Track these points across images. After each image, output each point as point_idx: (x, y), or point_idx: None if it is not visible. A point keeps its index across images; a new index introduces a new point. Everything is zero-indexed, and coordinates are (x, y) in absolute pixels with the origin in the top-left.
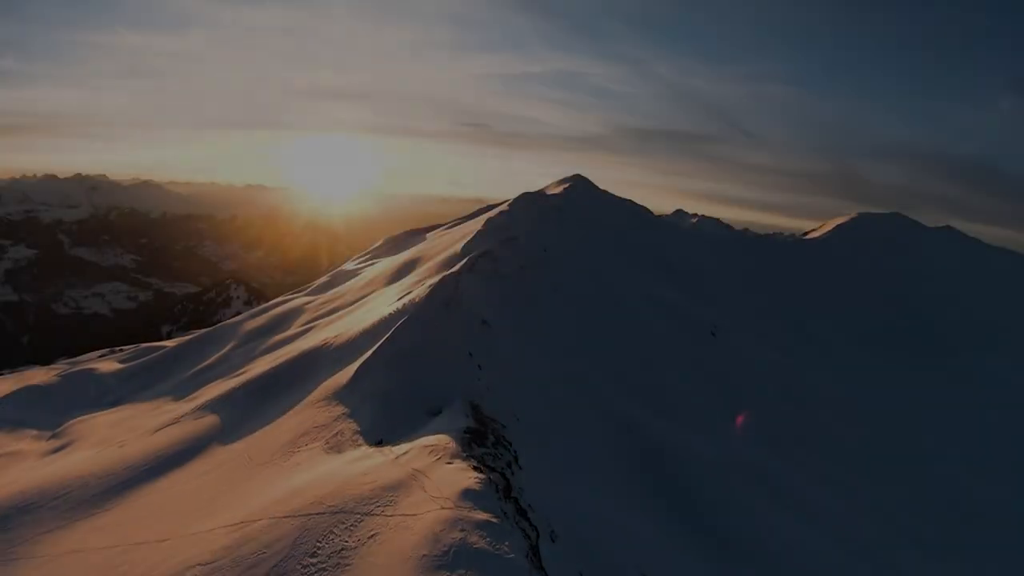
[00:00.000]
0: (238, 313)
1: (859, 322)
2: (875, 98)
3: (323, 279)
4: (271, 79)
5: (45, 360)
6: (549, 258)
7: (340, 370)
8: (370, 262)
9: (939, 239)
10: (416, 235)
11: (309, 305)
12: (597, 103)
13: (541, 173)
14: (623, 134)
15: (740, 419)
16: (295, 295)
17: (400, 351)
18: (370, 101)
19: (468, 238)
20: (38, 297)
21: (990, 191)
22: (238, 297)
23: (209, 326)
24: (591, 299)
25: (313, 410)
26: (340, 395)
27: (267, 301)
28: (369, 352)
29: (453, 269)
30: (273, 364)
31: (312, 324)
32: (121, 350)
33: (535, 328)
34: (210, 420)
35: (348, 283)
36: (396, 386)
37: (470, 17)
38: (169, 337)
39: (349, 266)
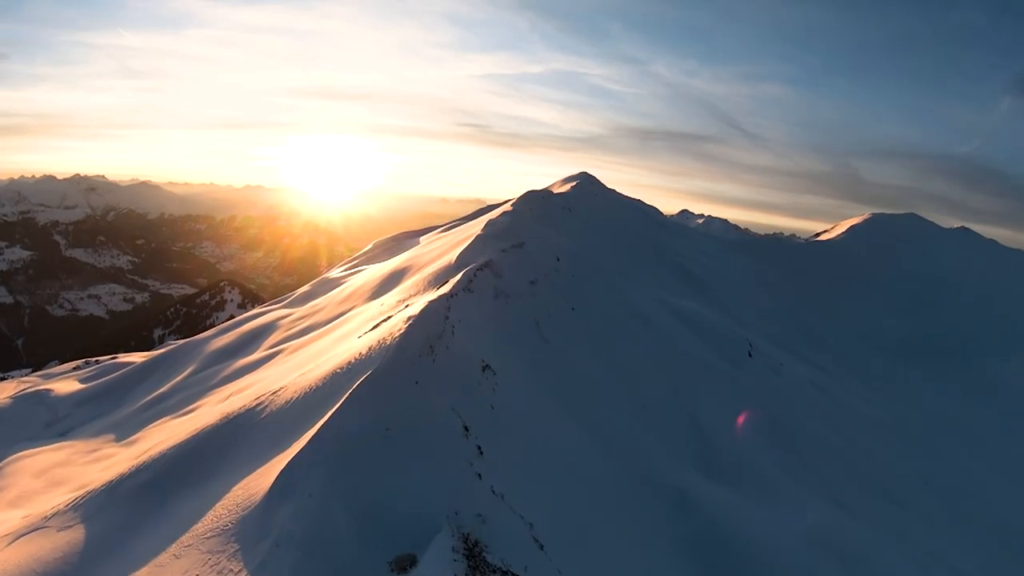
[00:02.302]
0: (231, 316)
1: (881, 330)
2: (875, 98)
3: (305, 288)
4: (271, 79)
5: (38, 363)
6: (563, 269)
7: (264, 463)
8: (357, 269)
9: (955, 240)
10: (409, 238)
11: (283, 320)
12: (597, 103)
13: (542, 174)
14: (623, 134)
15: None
16: (272, 307)
17: (348, 443)
18: (369, 101)
19: (465, 244)
20: (33, 299)
21: (990, 191)
22: (232, 300)
23: (202, 330)
24: (616, 320)
25: (200, 556)
26: (247, 524)
27: (263, 303)
28: (303, 441)
29: (442, 290)
30: (188, 433)
31: (278, 348)
32: (98, 362)
33: (553, 367)
34: (75, 536)
35: (328, 295)
36: (338, 513)
37: (470, 17)
38: (161, 341)
39: (334, 273)
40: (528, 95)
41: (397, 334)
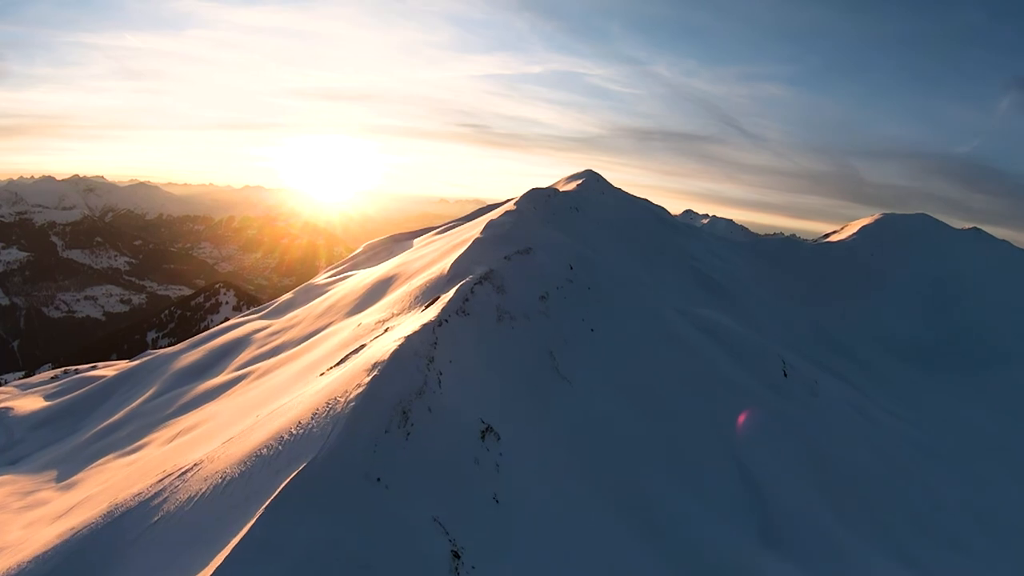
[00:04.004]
0: (226, 319)
1: (900, 334)
2: (875, 98)
3: (287, 296)
4: (270, 80)
5: (34, 366)
6: (577, 280)
7: None
8: (343, 275)
9: (968, 241)
10: (402, 241)
11: (258, 335)
12: (596, 103)
13: (542, 174)
14: (622, 134)
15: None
16: (250, 317)
17: None
18: (369, 102)
19: (461, 250)
20: (29, 301)
21: (990, 191)
22: (227, 302)
23: (196, 333)
24: (644, 343)
25: None
26: None
27: (259, 305)
28: None
29: (428, 313)
30: (62, 534)
31: (243, 371)
32: (77, 371)
33: (576, 419)
34: None
35: (307, 307)
36: None
37: (469, 18)
38: (154, 344)
39: (320, 279)
40: (527, 95)
41: (353, 395)
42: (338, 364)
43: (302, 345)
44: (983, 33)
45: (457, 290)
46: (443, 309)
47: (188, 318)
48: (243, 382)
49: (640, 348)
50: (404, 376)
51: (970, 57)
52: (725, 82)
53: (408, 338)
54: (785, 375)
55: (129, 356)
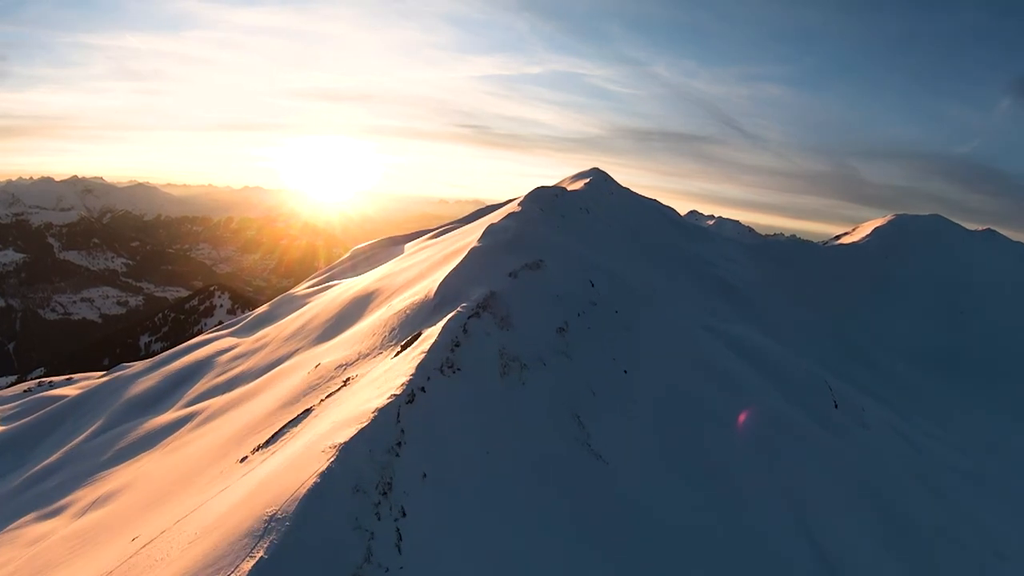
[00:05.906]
0: (221, 322)
1: (926, 344)
2: (874, 98)
3: (263, 308)
4: (270, 81)
5: (29, 368)
6: (601, 301)
7: None
8: (325, 285)
9: (982, 243)
10: (393, 245)
11: (222, 357)
12: (596, 104)
13: (542, 175)
14: (621, 135)
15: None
16: (220, 332)
17: None
18: (368, 102)
19: (454, 263)
20: (25, 302)
21: (990, 191)
22: (221, 305)
23: (189, 337)
24: (687, 384)
25: None
26: None
27: (255, 307)
28: None
29: (395, 382)
30: None
31: (192, 408)
32: (51, 383)
33: (616, 525)
34: None
35: (278, 324)
36: None
37: (469, 19)
38: (148, 348)
39: (300, 290)
40: (527, 96)
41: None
42: (266, 444)
43: (253, 384)
44: (983, 33)
45: (444, 327)
46: (420, 365)
47: (182, 321)
48: (185, 426)
49: (682, 392)
50: (321, 552)
51: (970, 57)
52: (724, 82)
53: (346, 448)
54: (836, 406)
55: (123, 359)
